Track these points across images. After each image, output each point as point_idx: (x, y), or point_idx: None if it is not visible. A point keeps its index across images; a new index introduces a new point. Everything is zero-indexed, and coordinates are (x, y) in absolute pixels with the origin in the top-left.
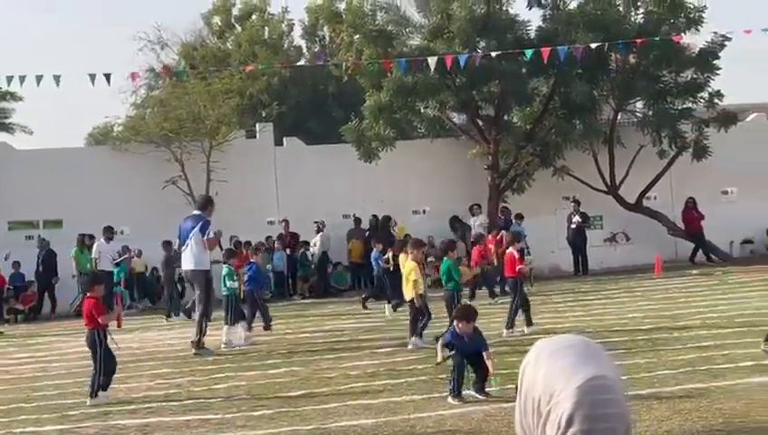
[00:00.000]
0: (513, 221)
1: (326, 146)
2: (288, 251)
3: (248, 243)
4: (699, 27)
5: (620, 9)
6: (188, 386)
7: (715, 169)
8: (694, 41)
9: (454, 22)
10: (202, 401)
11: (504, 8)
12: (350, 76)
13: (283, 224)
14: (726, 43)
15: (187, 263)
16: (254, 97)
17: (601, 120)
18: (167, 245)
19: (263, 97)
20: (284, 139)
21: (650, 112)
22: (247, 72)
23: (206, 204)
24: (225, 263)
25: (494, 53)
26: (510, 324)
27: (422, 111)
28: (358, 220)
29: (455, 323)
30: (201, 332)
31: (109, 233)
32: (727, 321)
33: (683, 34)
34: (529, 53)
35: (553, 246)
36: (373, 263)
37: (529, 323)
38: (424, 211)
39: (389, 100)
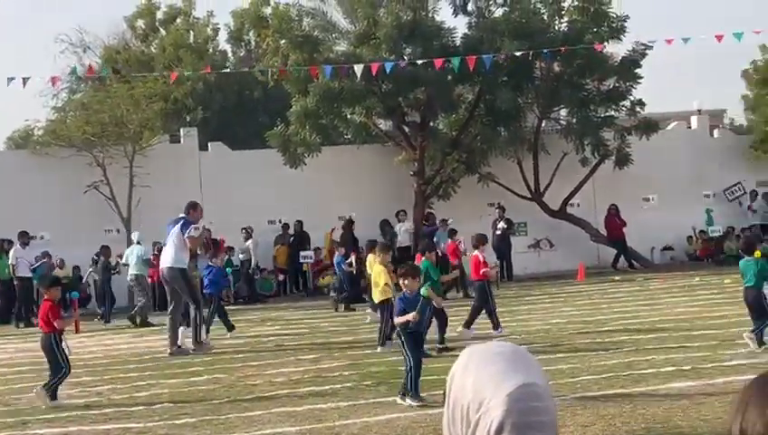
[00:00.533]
0: (439, 227)
1: (251, 151)
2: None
3: None
4: (622, 36)
5: (545, 18)
6: (109, 394)
7: (637, 177)
8: (616, 50)
9: (380, 28)
10: (123, 409)
11: (431, 15)
12: (275, 81)
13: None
14: (648, 52)
15: (165, 261)
16: (178, 101)
17: (526, 128)
18: (105, 249)
19: (187, 101)
20: (209, 144)
21: (574, 120)
22: (173, 77)
23: (190, 208)
24: None
25: (420, 61)
26: (496, 325)
27: (348, 117)
28: (285, 226)
29: (401, 281)
30: (197, 329)
31: (24, 238)
32: (649, 326)
33: (606, 43)
34: (456, 61)
35: None
36: (336, 266)
37: (467, 325)
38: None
39: (316, 105)
